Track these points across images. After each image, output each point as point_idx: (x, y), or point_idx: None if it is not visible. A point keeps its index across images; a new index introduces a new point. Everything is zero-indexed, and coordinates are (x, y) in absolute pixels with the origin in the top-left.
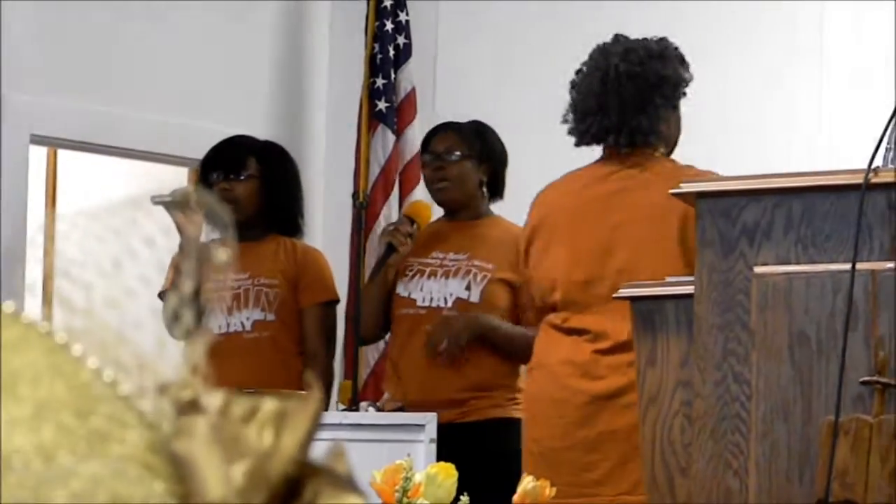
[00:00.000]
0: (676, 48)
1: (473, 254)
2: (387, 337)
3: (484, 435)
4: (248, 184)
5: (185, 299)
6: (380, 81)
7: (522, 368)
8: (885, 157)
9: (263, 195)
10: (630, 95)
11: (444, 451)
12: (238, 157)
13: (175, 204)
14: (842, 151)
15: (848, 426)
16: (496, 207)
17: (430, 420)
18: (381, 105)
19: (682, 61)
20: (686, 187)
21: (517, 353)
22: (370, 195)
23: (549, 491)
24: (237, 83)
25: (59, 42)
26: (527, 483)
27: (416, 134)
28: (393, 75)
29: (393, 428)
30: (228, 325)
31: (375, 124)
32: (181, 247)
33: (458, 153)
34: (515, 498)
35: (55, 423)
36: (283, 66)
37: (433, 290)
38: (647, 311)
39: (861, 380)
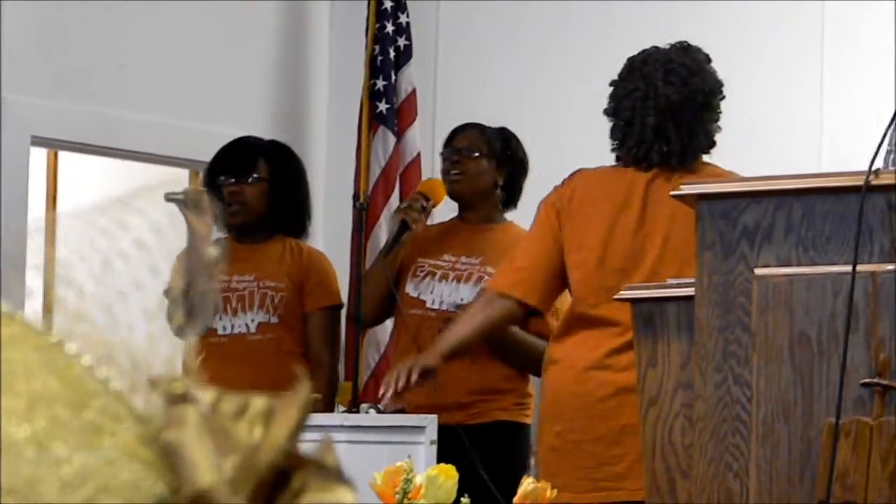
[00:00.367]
0: (700, 50)
1: (486, 259)
2: (385, 338)
3: (489, 437)
4: (258, 186)
5: (179, 297)
6: (380, 83)
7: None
8: (885, 159)
9: (271, 197)
10: (686, 121)
11: (448, 453)
12: (248, 158)
13: (186, 202)
14: (842, 153)
15: (849, 428)
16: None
17: (430, 422)
18: (382, 107)
19: (709, 61)
20: (686, 189)
21: (528, 358)
22: (371, 196)
23: (550, 493)
24: (238, 85)
25: (59, 44)
26: (527, 485)
27: (416, 135)
28: (393, 77)
29: (393, 430)
30: (233, 326)
31: (376, 126)
32: (189, 244)
33: (477, 152)
34: (516, 500)
35: (49, 415)
36: (283, 68)
37: (444, 293)
38: (647, 313)
39: (862, 381)
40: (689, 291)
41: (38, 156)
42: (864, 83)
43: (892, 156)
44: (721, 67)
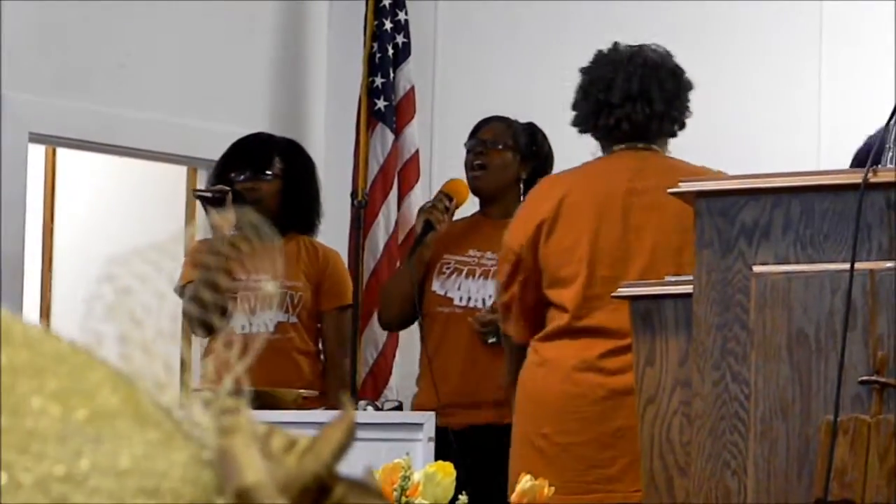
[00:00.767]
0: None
1: None
2: (384, 335)
3: None
4: (273, 183)
5: (204, 297)
6: (379, 80)
7: None
8: (884, 157)
9: (285, 194)
10: (669, 87)
11: (481, 453)
12: (264, 156)
13: (212, 200)
14: (841, 151)
15: (846, 426)
16: None
17: (428, 419)
18: (380, 104)
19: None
20: (684, 186)
21: None
22: (369, 194)
23: (548, 490)
24: (236, 82)
25: (58, 41)
26: (525, 482)
27: (414, 133)
28: (392, 74)
29: (391, 427)
30: (251, 325)
31: (374, 123)
32: (211, 243)
33: (501, 144)
34: (513, 497)
35: (112, 431)
36: (282, 65)
37: (471, 289)
38: (645, 311)
39: (860, 379)
40: (688, 289)
41: (37, 153)
42: (863, 82)
43: (890, 153)
44: (720, 67)
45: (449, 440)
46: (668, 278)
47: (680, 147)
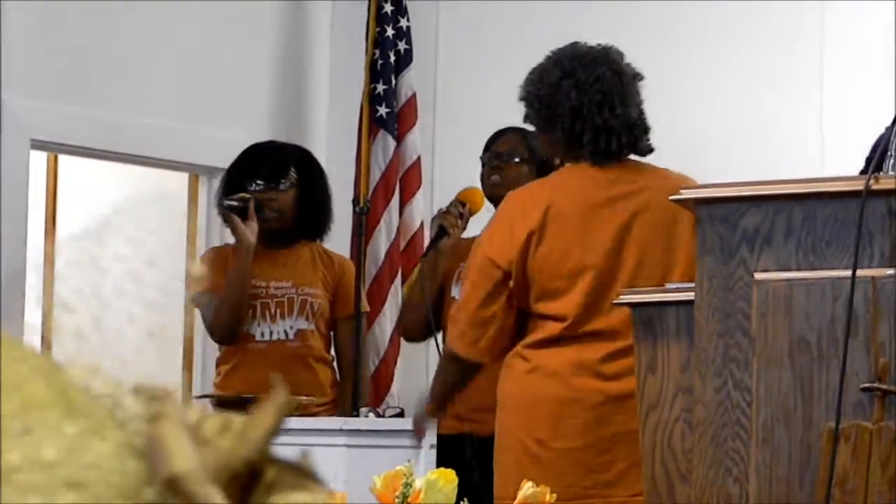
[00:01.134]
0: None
1: None
2: (385, 342)
3: None
4: (289, 192)
5: (213, 297)
6: (380, 87)
7: None
8: (886, 164)
9: (300, 202)
10: (634, 95)
11: (488, 465)
12: (281, 165)
13: (237, 209)
14: (843, 158)
15: (848, 432)
16: None
17: (430, 426)
18: (382, 110)
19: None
20: (686, 193)
21: None
22: (371, 201)
23: (549, 497)
24: (238, 89)
25: (59, 47)
26: (526, 489)
27: (416, 139)
28: (393, 81)
29: (393, 434)
30: (271, 332)
31: (376, 130)
32: (237, 251)
33: (517, 157)
34: (515, 503)
35: (39, 419)
36: (284, 72)
37: None
38: (647, 318)
39: (861, 386)
40: (689, 296)
41: (38, 159)
42: (864, 87)
43: (892, 160)
44: (722, 71)
45: (466, 446)
46: (669, 285)
47: (680, 153)
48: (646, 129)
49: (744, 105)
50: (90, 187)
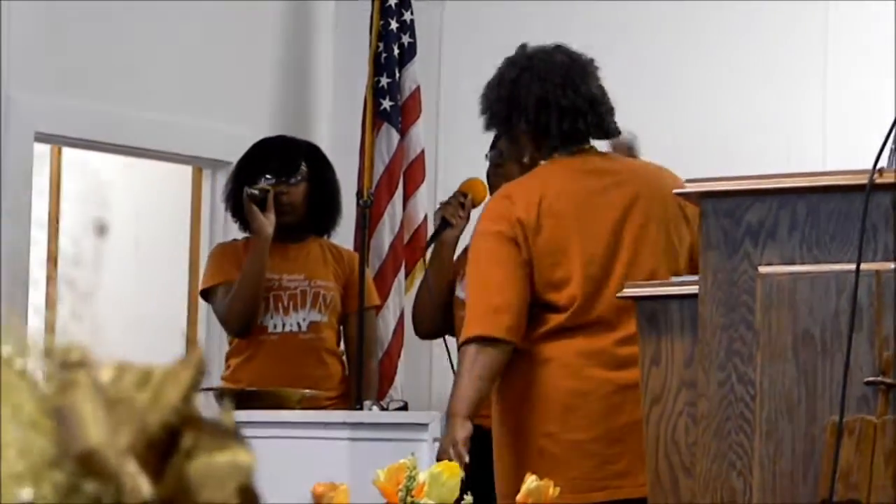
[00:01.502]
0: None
1: None
2: (388, 335)
3: None
4: (300, 186)
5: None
6: (384, 80)
7: None
8: (889, 159)
9: (310, 197)
10: (593, 75)
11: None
12: (292, 160)
13: (257, 200)
14: (847, 153)
15: (852, 426)
16: None
17: (433, 419)
18: (386, 104)
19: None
20: (690, 187)
21: None
22: (374, 194)
23: (553, 490)
24: (242, 81)
25: (63, 40)
26: (530, 482)
27: (420, 133)
28: (397, 74)
29: (396, 427)
30: (284, 324)
31: (380, 123)
32: (253, 243)
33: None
34: (518, 498)
35: None
36: (287, 65)
37: None
38: (651, 311)
39: (865, 380)
40: (693, 289)
41: (42, 152)
42: (868, 83)
43: (893, 155)
44: (727, 68)
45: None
46: (673, 279)
47: (685, 148)
48: (610, 110)
49: (747, 103)
50: (94, 180)
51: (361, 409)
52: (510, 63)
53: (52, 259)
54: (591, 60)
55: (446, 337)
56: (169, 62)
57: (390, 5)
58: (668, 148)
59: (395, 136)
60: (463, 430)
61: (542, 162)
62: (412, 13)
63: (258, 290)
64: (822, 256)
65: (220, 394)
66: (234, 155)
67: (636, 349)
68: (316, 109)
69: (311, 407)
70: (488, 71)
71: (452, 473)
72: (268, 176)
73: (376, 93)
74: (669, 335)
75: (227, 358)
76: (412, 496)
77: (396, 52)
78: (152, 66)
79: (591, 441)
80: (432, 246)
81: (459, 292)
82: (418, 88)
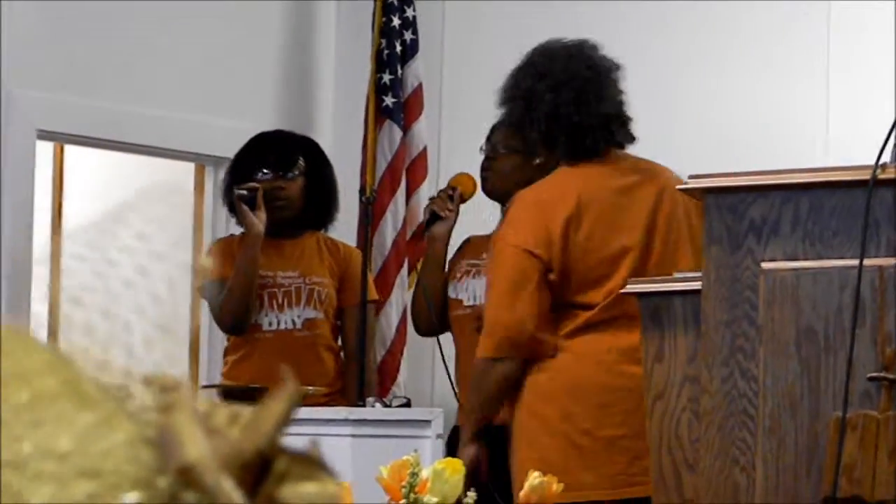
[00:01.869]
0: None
1: None
2: (391, 332)
3: None
4: (297, 181)
5: (221, 286)
6: (387, 77)
7: None
8: (892, 154)
9: (307, 192)
10: (611, 88)
11: (499, 453)
12: (290, 154)
13: (247, 199)
14: (849, 149)
15: (855, 422)
16: None
17: (436, 416)
18: (388, 100)
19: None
20: (693, 183)
21: None
22: (377, 190)
23: (556, 487)
24: (244, 78)
25: (65, 37)
26: (533, 479)
27: (422, 129)
28: (400, 71)
29: (399, 424)
30: (279, 322)
31: (382, 120)
32: (245, 241)
33: (506, 148)
34: (521, 495)
35: (53, 412)
36: (290, 62)
37: (477, 287)
38: (654, 307)
39: (868, 376)
40: (696, 285)
41: (44, 149)
42: (870, 80)
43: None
44: (730, 66)
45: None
46: (676, 274)
47: (689, 145)
48: (624, 122)
49: (749, 99)
50: (96, 177)
51: (364, 405)
52: (530, 64)
53: (56, 257)
54: (615, 67)
55: (439, 338)
56: (171, 58)
57: (393, 2)
58: (671, 144)
59: (398, 133)
60: (467, 453)
61: (562, 164)
62: (414, 10)
63: (251, 288)
64: (825, 252)
65: (224, 391)
66: (236, 151)
67: None
68: (318, 106)
69: (309, 404)
70: (490, 67)
71: (455, 470)
72: (265, 170)
73: (379, 89)
74: (672, 331)
75: (225, 354)
76: (415, 493)
77: (399, 48)
78: (155, 62)
79: (625, 437)
80: (425, 240)
81: (453, 293)
82: (421, 85)
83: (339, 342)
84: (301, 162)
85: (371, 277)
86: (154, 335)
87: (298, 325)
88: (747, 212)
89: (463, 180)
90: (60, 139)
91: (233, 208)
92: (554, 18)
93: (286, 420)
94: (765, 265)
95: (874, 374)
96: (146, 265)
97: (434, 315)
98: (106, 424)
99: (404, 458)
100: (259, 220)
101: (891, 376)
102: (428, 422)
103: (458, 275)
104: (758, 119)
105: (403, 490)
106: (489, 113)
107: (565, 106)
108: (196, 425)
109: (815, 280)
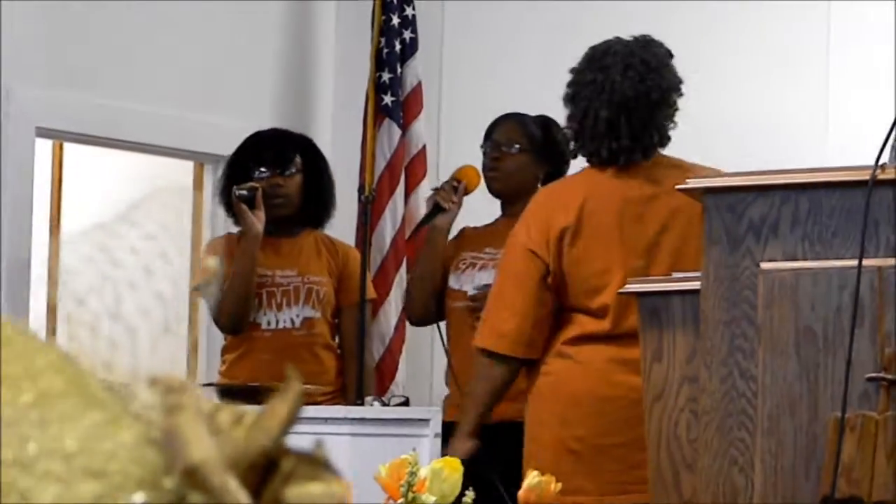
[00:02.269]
0: (662, 45)
1: None
2: (390, 330)
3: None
4: (295, 179)
5: (219, 284)
6: (386, 76)
7: None
8: (891, 154)
9: (304, 190)
10: (639, 118)
11: (500, 450)
12: (287, 152)
13: (245, 198)
14: (848, 150)
15: (854, 422)
16: None
17: (434, 414)
18: (388, 99)
19: (671, 56)
20: (692, 183)
21: None
22: (376, 189)
23: (555, 486)
24: (243, 77)
25: (64, 35)
26: (532, 478)
27: (421, 128)
28: (399, 70)
29: (398, 422)
30: (277, 321)
31: (381, 118)
32: (243, 240)
33: (517, 145)
34: (521, 494)
35: (58, 411)
36: (289, 60)
37: (483, 280)
38: (653, 307)
39: (867, 376)
40: (695, 285)
41: (44, 147)
42: (870, 80)
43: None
44: (729, 66)
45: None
46: (675, 274)
47: (688, 145)
48: (661, 140)
49: (748, 99)
50: (95, 176)
51: (363, 404)
52: (587, 67)
53: (55, 255)
54: (675, 88)
55: (439, 325)
56: (171, 57)
57: (392, 1)
58: (670, 144)
59: (397, 132)
60: (463, 448)
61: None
62: (414, 9)
63: (249, 288)
64: (824, 252)
65: (222, 390)
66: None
67: None
68: (317, 105)
69: (307, 403)
70: (489, 66)
71: (454, 469)
72: (262, 169)
73: (378, 88)
74: (671, 331)
75: (223, 353)
76: (414, 492)
77: (398, 47)
78: (154, 61)
79: (620, 446)
80: (424, 229)
81: (453, 283)
82: (420, 84)
83: (337, 341)
84: (298, 159)
85: (369, 276)
86: (148, 331)
87: (297, 325)
88: (746, 212)
89: (468, 173)
90: (60, 137)
91: (230, 207)
92: (553, 16)
93: (291, 420)
94: (764, 265)
95: (873, 375)
96: (147, 264)
97: (431, 304)
98: (112, 425)
99: (403, 456)
100: (258, 220)
101: (889, 377)
102: (426, 420)
103: (462, 266)
104: (757, 119)
105: (402, 489)
106: (488, 111)
107: (594, 116)
108: (201, 426)
109: (815, 280)
